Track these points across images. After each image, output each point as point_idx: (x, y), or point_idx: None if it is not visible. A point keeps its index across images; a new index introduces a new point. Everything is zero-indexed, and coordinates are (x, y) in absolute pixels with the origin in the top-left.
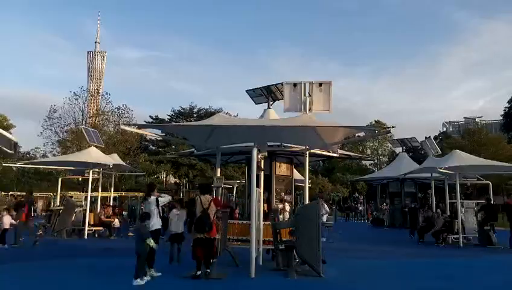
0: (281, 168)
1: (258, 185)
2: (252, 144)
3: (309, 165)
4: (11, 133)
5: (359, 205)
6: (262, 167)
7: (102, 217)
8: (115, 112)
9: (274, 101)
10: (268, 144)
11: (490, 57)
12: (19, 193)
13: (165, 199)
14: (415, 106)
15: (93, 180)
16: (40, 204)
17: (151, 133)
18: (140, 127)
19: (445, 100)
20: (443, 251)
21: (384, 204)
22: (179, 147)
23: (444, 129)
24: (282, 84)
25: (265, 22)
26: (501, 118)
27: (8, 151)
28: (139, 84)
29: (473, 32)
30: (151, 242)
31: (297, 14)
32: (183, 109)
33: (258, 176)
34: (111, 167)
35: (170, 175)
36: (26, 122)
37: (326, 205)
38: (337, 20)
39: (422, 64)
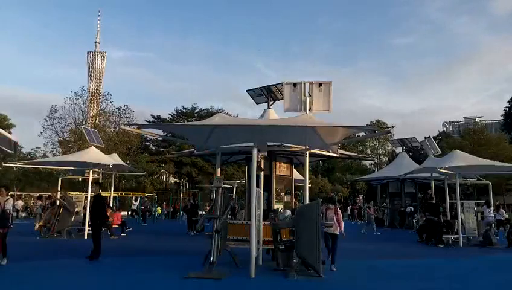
0: (281, 168)
1: (258, 185)
2: (252, 144)
3: (309, 165)
4: (11, 133)
5: (359, 204)
6: (262, 167)
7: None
8: (116, 112)
9: (274, 101)
10: (268, 144)
11: (489, 57)
12: (18, 193)
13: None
14: (415, 106)
15: (93, 180)
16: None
17: (152, 133)
18: (140, 127)
19: (446, 100)
20: (443, 251)
21: (384, 204)
22: (182, 147)
23: (444, 129)
24: (282, 84)
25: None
26: (501, 118)
27: (8, 151)
28: (138, 84)
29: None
30: None
31: (297, 10)
32: (185, 108)
33: (258, 176)
34: (111, 167)
35: (171, 175)
36: (27, 122)
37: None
38: (337, 20)
39: (422, 64)
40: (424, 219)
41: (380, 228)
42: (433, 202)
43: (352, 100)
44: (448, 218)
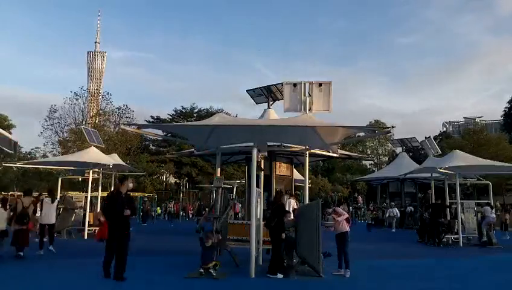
0: (281, 168)
1: (258, 185)
2: (252, 144)
3: (309, 165)
4: (11, 133)
5: (359, 204)
6: (262, 167)
7: (101, 218)
8: (116, 112)
9: (274, 101)
10: (268, 144)
11: (489, 57)
12: (19, 192)
13: None
14: (415, 106)
15: (93, 180)
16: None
17: (152, 133)
18: (140, 127)
19: (446, 100)
20: (443, 251)
21: (384, 204)
22: (182, 147)
23: (444, 129)
24: (282, 84)
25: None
26: (501, 118)
27: (8, 151)
28: (137, 84)
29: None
30: None
31: (297, 11)
32: (184, 108)
33: (258, 176)
34: (111, 167)
35: (171, 175)
36: (27, 122)
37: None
38: (338, 20)
39: (423, 64)
40: (425, 215)
41: (379, 228)
42: (439, 201)
43: (353, 100)
44: (448, 218)
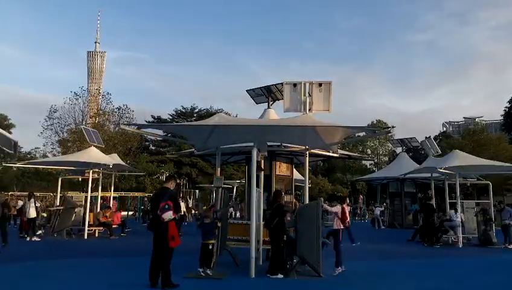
0: (281, 168)
1: (258, 185)
2: (252, 144)
3: (309, 165)
4: (11, 133)
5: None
6: (262, 167)
7: (101, 218)
8: (115, 112)
9: (274, 101)
10: (268, 144)
11: (490, 57)
12: (18, 193)
13: None
14: (415, 106)
15: (93, 180)
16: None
17: (152, 133)
18: (140, 127)
19: (446, 100)
20: (443, 250)
21: (384, 204)
22: (182, 147)
23: (444, 129)
24: (282, 84)
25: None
26: (501, 118)
27: (8, 151)
28: (137, 84)
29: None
30: None
31: (300, 11)
32: (184, 108)
33: (258, 176)
34: (111, 167)
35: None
36: (27, 122)
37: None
38: (341, 21)
39: (424, 64)
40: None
41: (379, 228)
42: (430, 202)
43: (354, 100)
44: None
